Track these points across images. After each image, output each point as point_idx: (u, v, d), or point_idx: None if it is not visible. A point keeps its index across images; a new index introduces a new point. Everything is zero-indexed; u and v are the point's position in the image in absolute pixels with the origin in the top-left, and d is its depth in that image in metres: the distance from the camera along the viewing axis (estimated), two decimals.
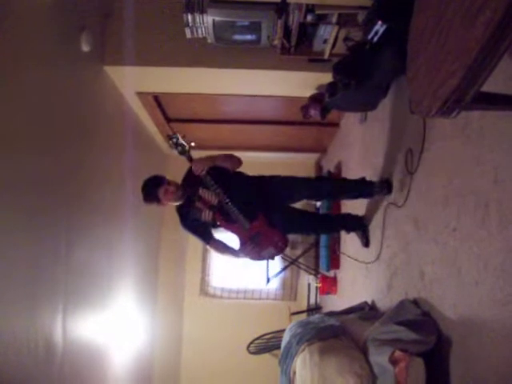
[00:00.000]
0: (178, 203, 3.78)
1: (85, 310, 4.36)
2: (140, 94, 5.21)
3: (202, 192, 3.67)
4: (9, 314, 3.05)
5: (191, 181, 3.71)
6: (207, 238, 3.87)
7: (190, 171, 3.72)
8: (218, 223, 3.74)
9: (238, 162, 3.83)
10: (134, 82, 4.90)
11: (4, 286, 2.96)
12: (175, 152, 3.56)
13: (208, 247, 4.04)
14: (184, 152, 3.52)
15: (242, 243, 3.78)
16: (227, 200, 3.58)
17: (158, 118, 5.94)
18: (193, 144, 3.55)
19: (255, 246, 3.75)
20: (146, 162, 6.22)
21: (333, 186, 4.26)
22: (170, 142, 3.52)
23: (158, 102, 5.56)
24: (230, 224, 3.72)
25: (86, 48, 4.00)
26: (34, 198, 3.31)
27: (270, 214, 3.81)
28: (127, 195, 5.22)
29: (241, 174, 3.90)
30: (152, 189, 3.66)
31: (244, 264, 3.87)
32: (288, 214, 4.01)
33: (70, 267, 3.92)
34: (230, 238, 3.91)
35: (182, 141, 3.50)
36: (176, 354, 7.69)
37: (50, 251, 3.62)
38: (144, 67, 4.49)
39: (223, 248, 3.91)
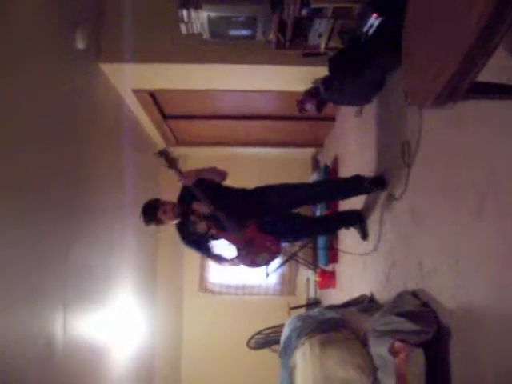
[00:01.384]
0: (176, 221, 3.90)
1: (85, 306, 4.38)
2: (136, 91, 5.21)
3: (195, 205, 3.79)
4: (9, 311, 3.06)
5: (186, 197, 3.86)
6: (205, 252, 4.06)
7: (183, 189, 3.91)
8: (213, 233, 3.84)
9: (224, 174, 3.96)
10: (129, 79, 4.89)
11: (4, 283, 2.98)
12: (168, 167, 3.72)
13: (209, 260, 4.15)
14: (174, 166, 3.69)
15: (237, 250, 3.90)
16: (216, 208, 3.71)
17: (155, 114, 5.94)
18: (177, 158, 3.75)
19: (249, 253, 3.85)
20: (142, 159, 6.21)
21: (328, 190, 4.30)
22: (161, 157, 3.67)
23: (153, 99, 5.55)
24: (223, 233, 3.84)
25: (80, 45, 3.99)
26: (32, 196, 3.31)
27: (264, 222, 3.90)
28: (126, 193, 5.23)
29: (229, 186, 4.01)
30: (151, 212, 3.80)
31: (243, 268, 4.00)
32: (281, 222, 4.06)
33: (69, 265, 3.94)
34: (227, 248, 4.04)
35: (171, 156, 3.70)
36: (176, 350, 7.70)
37: (50, 249, 3.63)
38: (139, 64, 4.49)
39: (220, 260, 4.07)
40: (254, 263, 3.94)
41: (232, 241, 3.88)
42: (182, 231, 3.93)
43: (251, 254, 3.86)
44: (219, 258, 4.06)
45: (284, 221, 4.09)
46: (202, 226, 3.76)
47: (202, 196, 3.70)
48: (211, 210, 3.72)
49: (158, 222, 3.81)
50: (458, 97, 1.56)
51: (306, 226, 4.43)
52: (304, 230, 4.37)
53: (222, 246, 4.09)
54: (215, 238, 3.94)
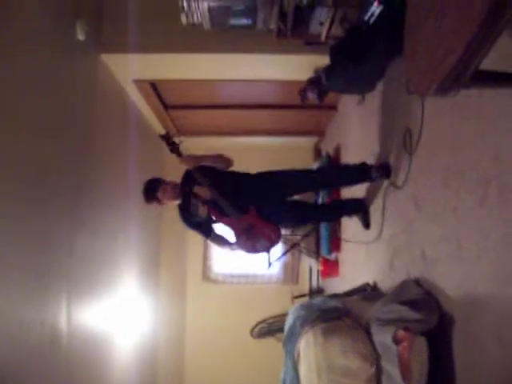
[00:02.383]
0: (177, 202, 3.95)
1: (89, 296, 4.40)
2: (137, 82, 5.19)
3: (197, 189, 3.84)
4: (13, 301, 3.08)
5: (188, 180, 3.90)
6: (207, 233, 4.08)
7: (186, 172, 3.95)
8: (213, 217, 3.89)
9: (229, 161, 4.00)
10: (130, 69, 4.87)
11: (8, 273, 2.99)
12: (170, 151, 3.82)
13: (208, 241, 4.34)
14: (174, 150, 3.77)
15: (237, 236, 3.92)
16: (215, 192, 3.75)
17: (156, 105, 5.93)
18: (182, 139, 3.87)
19: (248, 239, 3.89)
20: (145, 149, 6.22)
21: (331, 176, 4.29)
22: (163, 141, 3.78)
23: (155, 89, 5.55)
24: (223, 217, 3.87)
25: (81, 36, 3.98)
26: (36, 185, 3.33)
27: (265, 207, 3.92)
28: (129, 183, 5.24)
29: (232, 171, 4.02)
30: (151, 190, 3.86)
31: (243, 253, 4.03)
32: (283, 208, 4.07)
33: (73, 254, 3.96)
34: (227, 232, 4.05)
35: (173, 139, 3.79)
36: (180, 339, 7.73)
37: (55, 237, 3.65)
38: (141, 54, 4.48)
39: (221, 242, 4.13)
40: (253, 249, 3.98)
41: (232, 226, 3.90)
42: (183, 212, 3.97)
43: (251, 240, 3.89)
44: (220, 240, 4.11)
45: (286, 206, 4.10)
46: (202, 210, 3.82)
47: (202, 180, 3.74)
48: (211, 195, 3.76)
49: (158, 201, 3.86)
50: (460, 85, 1.55)
51: (308, 212, 4.44)
52: (306, 216, 4.37)
53: (223, 230, 4.11)
54: (216, 222, 3.98)
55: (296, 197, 4.28)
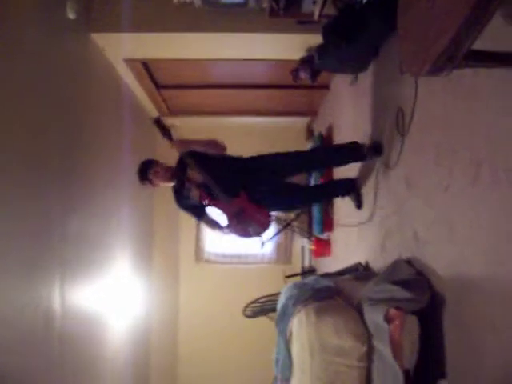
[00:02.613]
0: (170, 184, 3.98)
1: (82, 278, 4.41)
2: (128, 61, 5.15)
3: (190, 173, 3.85)
4: (6, 283, 3.08)
5: (182, 164, 3.90)
6: (199, 215, 4.09)
7: (180, 156, 3.93)
8: (205, 200, 3.90)
9: (222, 147, 3.97)
10: (122, 48, 4.84)
11: (0, 254, 2.98)
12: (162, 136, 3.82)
13: (201, 223, 4.39)
14: (166, 134, 3.78)
15: (228, 220, 3.92)
16: (207, 176, 3.75)
17: (148, 84, 5.89)
18: (173, 124, 3.90)
19: (239, 223, 3.89)
20: (137, 132, 6.19)
21: (324, 157, 4.30)
22: (155, 125, 3.78)
23: (146, 69, 5.50)
24: (214, 201, 3.88)
25: (72, 15, 3.93)
26: (26, 171, 3.31)
27: (257, 191, 3.92)
28: (122, 165, 5.22)
29: (224, 155, 4.00)
30: (144, 171, 3.88)
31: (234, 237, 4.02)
32: (276, 191, 4.08)
33: (66, 236, 3.97)
34: (220, 216, 4.04)
35: (164, 124, 3.79)
36: (173, 320, 7.78)
37: (46, 220, 3.65)
38: (132, 33, 4.44)
39: (213, 225, 4.11)
40: (245, 233, 3.97)
41: (223, 210, 3.91)
42: (177, 194, 4.00)
43: (242, 224, 3.89)
44: (212, 223, 4.11)
45: (278, 189, 4.11)
46: (195, 194, 3.83)
47: (193, 164, 3.76)
48: (203, 179, 3.78)
49: (150, 182, 3.90)
50: (454, 64, 1.54)
51: (301, 194, 4.43)
52: (298, 198, 4.37)
53: (216, 214, 4.11)
54: (208, 205, 3.98)
55: (288, 179, 4.27)
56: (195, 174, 3.81)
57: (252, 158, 4.00)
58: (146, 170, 3.85)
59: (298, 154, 4.18)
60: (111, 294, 5.31)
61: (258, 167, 3.96)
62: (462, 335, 2.42)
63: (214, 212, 4.02)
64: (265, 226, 3.97)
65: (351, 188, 4.41)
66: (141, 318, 6.68)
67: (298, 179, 4.96)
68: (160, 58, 5.16)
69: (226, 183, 3.81)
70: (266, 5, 4.09)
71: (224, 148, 3.96)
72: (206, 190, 3.82)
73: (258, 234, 4.01)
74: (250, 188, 3.90)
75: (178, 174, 3.90)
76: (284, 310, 3.41)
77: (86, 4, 4.26)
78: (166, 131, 3.76)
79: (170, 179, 3.91)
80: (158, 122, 3.77)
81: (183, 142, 3.85)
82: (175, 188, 3.98)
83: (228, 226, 3.94)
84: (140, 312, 6.62)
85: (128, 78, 5.58)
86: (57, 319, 3.79)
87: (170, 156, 3.96)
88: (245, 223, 3.88)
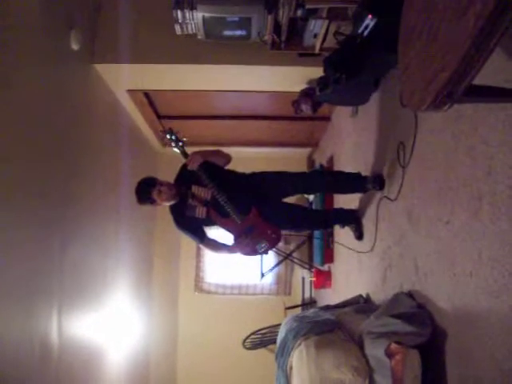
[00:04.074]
0: (171, 203, 3.78)
1: (80, 308, 4.37)
2: (131, 92, 5.20)
3: (194, 189, 3.69)
4: (3, 313, 3.04)
5: (184, 179, 3.76)
6: (201, 237, 3.88)
7: (182, 170, 3.80)
8: (213, 218, 3.74)
9: (228, 157, 3.89)
10: (124, 79, 4.88)
11: None
12: (174, 148, 3.63)
13: (202, 246, 4.10)
14: (179, 146, 3.60)
15: (236, 237, 3.80)
16: (220, 193, 3.59)
17: (150, 115, 5.93)
18: (185, 139, 3.63)
19: (249, 240, 3.77)
20: (138, 160, 6.22)
21: (326, 181, 4.25)
22: (167, 136, 3.59)
23: (148, 100, 5.55)
24: (224, 219, 3.73)
25: (75, 46, 3.98)
26: (26, 197, 3.30)
27: (263, 208, 3.82)
28: (121, 193, 5.22)
29: (231, 170, 3.94)
30: (145, 190, 3.69)
31: (238, 260, 3.92)
32: (280, 210, 4.02)
33: (64, 266, 3.94)
34: (223, 236, 3.95)
35: (177, 135, 3.59)
36: (172, 350, 7.68)
37: (45, 250, 3.63)
38: (134, 65, 4.48)
39: (217, 246, 3.96)
40: (253, 251, 3.86)
41: (231, 227, 3.77)
42: (176, 214, 3.81)
43: (251, 241, 3.77)
44: (214, 244, 3.94)
45: (282, 209, 4.06)
46: (201, 211, 3.66)
47: (207, 179, 3.57)
48: (213, 194, 3.62)
49: (153, 202, 3.70)
50: (454, 100, 1.55)
51: (304, 215, 4.39)
52: (301, 219, 4.27)
53: (218, 234, 4.02)
54: (213, 223, 3.83)
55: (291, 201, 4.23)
56: (201, 191, 3.66)
57: (254, 174, 3.95)
58: (149, 189, 3.65)
59: (302, 174, 4.16)
60: (110, 324, 5.26)
61: (263, 184, 3.89)
62: (465, 369, 2.38)
63: (215, 232, 3.91)
64: (275, 243, 3.89)
65: (352, 219, 4.40)
66: (139, 349, 6.61)
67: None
68: (162, 89, 5.21)
69: (238, 201, 3.68)
70: (267, 37, 4.13)
71: (229, 158, 3.89)
72: (214, 207, 3.68)
73: (266, 250, 3.91)
74: (259, 204, 3.80)
75: (181, 191, 3.73)
76: (284, 344, 3.37)
77: (89, 35, 4.32)
78: (178, 143, 3.58)
79: (174, 197, 3.71)
80: (171, 133, 3.57)
81: (196, 155, 3.61)
82: (175, 207, 3.80)
83: (236, 245, 3.81)
84: (139, 343, 6.54)
85: (130, 107, 5.62)
86: (54, 351, 3.74)
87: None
88: (254, 240, 3.78)
